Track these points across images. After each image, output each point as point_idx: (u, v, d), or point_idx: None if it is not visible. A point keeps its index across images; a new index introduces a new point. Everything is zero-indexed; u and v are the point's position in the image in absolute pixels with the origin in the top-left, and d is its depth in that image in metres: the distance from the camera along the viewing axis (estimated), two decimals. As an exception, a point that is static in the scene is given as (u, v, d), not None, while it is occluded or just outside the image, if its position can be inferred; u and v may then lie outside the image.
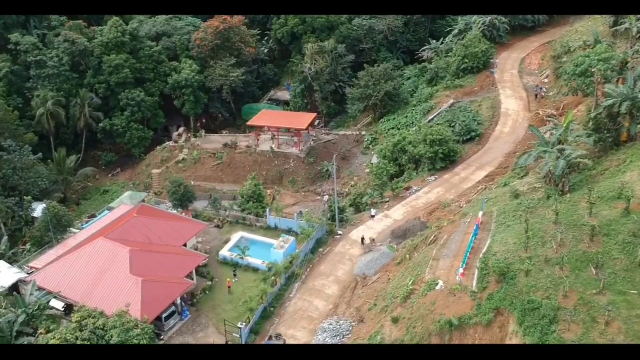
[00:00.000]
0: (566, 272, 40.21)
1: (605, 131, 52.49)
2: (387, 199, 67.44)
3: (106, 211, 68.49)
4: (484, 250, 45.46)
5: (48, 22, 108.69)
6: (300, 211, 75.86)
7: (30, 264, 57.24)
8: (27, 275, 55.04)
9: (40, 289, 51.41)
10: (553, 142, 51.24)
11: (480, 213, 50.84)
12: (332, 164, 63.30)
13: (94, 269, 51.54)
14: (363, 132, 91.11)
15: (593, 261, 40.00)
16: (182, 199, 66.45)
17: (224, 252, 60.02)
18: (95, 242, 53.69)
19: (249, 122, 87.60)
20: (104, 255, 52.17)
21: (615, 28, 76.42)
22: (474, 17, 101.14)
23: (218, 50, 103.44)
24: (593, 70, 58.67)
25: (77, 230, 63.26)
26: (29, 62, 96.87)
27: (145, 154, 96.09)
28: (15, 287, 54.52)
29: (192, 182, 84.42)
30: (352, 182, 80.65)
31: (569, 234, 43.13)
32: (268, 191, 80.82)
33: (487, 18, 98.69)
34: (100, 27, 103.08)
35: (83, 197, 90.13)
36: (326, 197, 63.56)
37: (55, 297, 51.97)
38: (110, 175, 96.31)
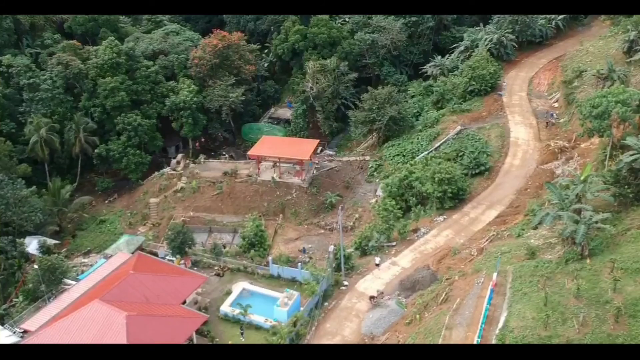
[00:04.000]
0: (590, 358, 37.86)
1: (626, 186, 49.97)
2: (394, 243, 64.78)
3: (103, 260, 65.75)
4: (500, 324, 43.09)
5: (41, 40, 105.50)
6: (304, 248, 73.48)
7: (23, 325, 54.67)
8: (19, 339, 52.52)
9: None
10: (571, 200, 48.55)
11: (495, 275, 48.41)
12: (339, 214, 60.55)
13: (89, 336, 48.98)
14: (367, 158, 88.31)
15: (619, 347, 37.67)
16: (181, 246, 63.81)
17: (225, 307, 57.26)
18: (90, 305, 51.06)
19: (249, 153, 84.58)
20: (99, 322, 49.59)
21: (630, 59, 73.36)
22: (481, 34, 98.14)
23: (217, 69, 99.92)
24: (612, 112, 55.75)
25: (73, 282, 60.62)
26: (21, 85, 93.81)
27: (143, 179, 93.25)
28: (7, 352, 52.06)
29: (192, 214, 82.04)
30: (357, 215, 78.02)
31: (591, 311, 40.80)
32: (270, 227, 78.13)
33: (495, 35, 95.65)
34: (95, 48, 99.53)
35: (79, 227, 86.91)
36: (331, 248, 60.85)
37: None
38: (107, 201, 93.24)
